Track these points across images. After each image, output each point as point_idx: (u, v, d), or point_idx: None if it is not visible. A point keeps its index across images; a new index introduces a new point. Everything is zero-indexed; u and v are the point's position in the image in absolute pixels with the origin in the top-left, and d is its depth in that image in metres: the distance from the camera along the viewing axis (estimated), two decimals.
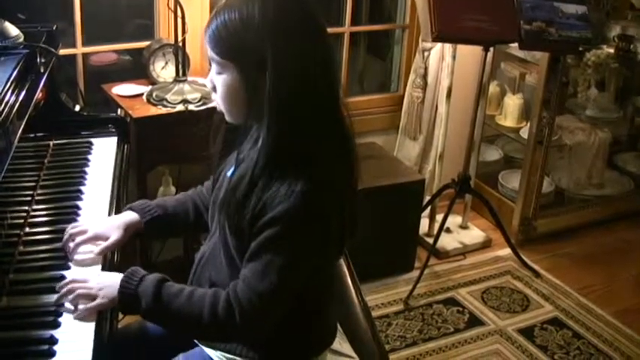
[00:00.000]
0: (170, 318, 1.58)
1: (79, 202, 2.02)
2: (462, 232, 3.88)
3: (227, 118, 1.61)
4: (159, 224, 1.86)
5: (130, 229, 1.83)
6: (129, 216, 1.85)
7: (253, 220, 1.51)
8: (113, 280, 1.60)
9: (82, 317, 1.57)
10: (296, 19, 1.50)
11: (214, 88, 1.58)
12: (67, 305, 1.60)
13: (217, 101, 1.59)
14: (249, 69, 1.49)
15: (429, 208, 3.77)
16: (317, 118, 1.53)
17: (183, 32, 2.87)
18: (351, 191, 1.62)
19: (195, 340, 1.77)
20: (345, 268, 2.00)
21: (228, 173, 1.66)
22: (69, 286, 1.61)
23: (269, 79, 1.46)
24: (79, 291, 1.60)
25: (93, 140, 2.39)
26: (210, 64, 1.58)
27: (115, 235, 1.80)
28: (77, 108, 2.46)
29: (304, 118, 1.51)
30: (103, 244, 1.79)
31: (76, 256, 1.78)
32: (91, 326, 1.56)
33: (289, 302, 1.57)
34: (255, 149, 1.55)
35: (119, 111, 2.58)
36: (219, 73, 1.54)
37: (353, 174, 1.62)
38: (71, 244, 1.79)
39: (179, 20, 2.85)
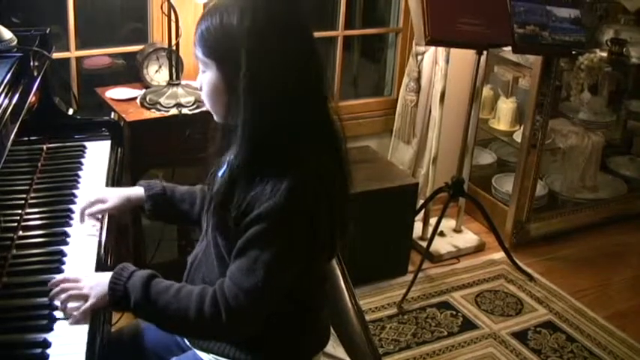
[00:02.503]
0: (158, 314, 1.58)
1: (72, 206, 2.02)
2: (455, 235, 3.88)
3: (214, 116, 1.64)
4: (161, 203, 1.91)
5: (132, 201, 1.93)
6: (135, 189, 1.94)
7: (239, 218, 1.52)
8: (103, 278, 1.62)
9: (78, 321, 1.58)
10: (275, 25, 1.53)
11: (201, 87, 1.62)
12: (58, 304, 1.61)
13: (203, 99, 1.63)
14: (227, 69, 1.52)
15: (422, 211, 3.77)
16: (302, 120, 1.54)
17: (177, 36, 2.87)
18: (341, 193, 1.62)
19: (188, 343, 1.78)
20: (338, 272, 2.01)
21: (219, 174, 1.67)
22: (61, 286, 1.62)
23: (243, 79, 1.49)
24: (70, 292, 1.61)
25: (86, 144, 2.39)
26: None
27: (112, 202, 1.91)
28: (71, 111, 2.45)
29: (281, 118, 1.52)
30: (99, 206, 1.91)
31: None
32: (84, 330, 1.55)
33: (275, 300, 1.57)
34: None
35: (113, 115, 2.57)
36: (203, 72, 1.59)
37: (343, 175, 1.62)
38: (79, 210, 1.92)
39: (173, 24, 2.85)
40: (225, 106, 1.56)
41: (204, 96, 1.62)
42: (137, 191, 1.93)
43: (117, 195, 1.93)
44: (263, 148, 1.52)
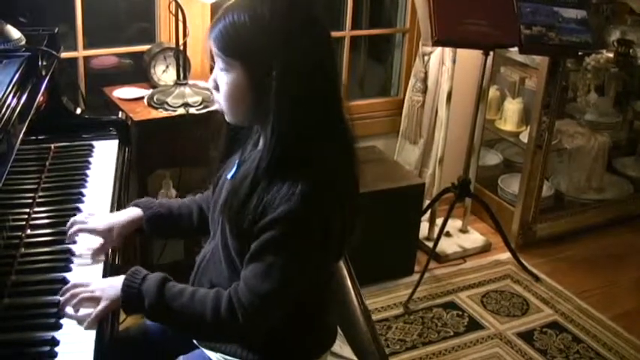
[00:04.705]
0: (173, 317, 1.58)
1: (80, 205, 2.03)
2: (461, 236, 3.88)
3: (228, 118, 1.60)
4: (161, 222, 1.86)
5: (131, 225, 1.85)
6: (132, 212, 1.86)
7: (254, 221, 1.51)
8: (115, 281, 1.61)
9: (91, 325, 1.57)
10: (303, 23, 1.52)
11: (217, 87, 1.57)
12: (70, 311, 1.59)
13: (219, 100, 1.59)
14: (256, 69, 1.49)
15: (429, 211, 3.77)
16: (320, 121, 1.53)
17: (184, 36, 2.88)
18: (352, 193, 1.62)
19: (196, 342, 1.78)
20: (345, 272, 2.01)
21: (229, 176, 1.66)
22: (72, 291, 1.61)
23: (276, 80, 1.46)
24: (82, 295, 1.59)
25: (94, 143, 2.39)
26: (212, 62, 1.58)
27: (114, 232, 1.82)
28: (78, 111, 2.46)
29: (308, 120, 1.51)
30: (106, 246, 1.81)
31: (79, 252, 1.81)
32: None
33: (291, 303, 1.57)
34: (257, 151, 1.56)
35: (120, 114, 2.58)
36: (225, 71, 1.54)
37: (354, 176, 1.62)
38: (72, 230, 1.81)
39: (180, 24, 2.86)
40: (249, 107, 1.54)
41: (223, 97, 1.56)
42: (134, 213, 1.85)
43: (116, 222, 1.83)
44: (288, 150, 1.50)
